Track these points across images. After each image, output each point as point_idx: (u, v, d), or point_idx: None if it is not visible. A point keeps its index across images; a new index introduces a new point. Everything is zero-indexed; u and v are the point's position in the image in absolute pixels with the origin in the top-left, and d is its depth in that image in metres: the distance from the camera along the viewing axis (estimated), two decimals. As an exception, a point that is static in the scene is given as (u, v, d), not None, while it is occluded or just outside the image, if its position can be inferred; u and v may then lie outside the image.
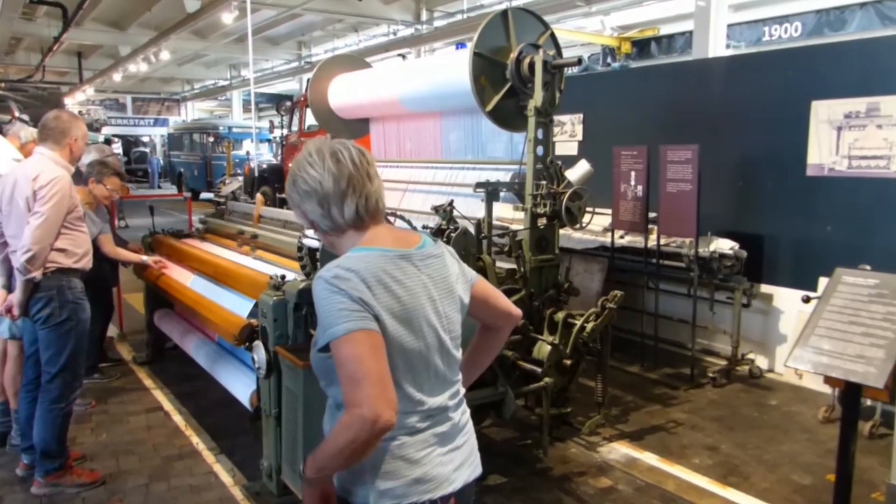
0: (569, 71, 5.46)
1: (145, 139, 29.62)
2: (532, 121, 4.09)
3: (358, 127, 6.07)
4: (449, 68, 4.48)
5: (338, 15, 15.89)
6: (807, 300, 3.18)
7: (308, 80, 5.97)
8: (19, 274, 3.25)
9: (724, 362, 5.36)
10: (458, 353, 1.63)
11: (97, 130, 21.43)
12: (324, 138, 1.60)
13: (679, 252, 5.24)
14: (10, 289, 3.46)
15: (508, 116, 4.31)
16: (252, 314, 3.58)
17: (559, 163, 4.23)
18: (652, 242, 5.37)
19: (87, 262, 3.46)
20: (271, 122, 16.13)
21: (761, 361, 5.40)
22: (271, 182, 13.47)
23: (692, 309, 5.28)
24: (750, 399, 4.85)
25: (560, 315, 4.08)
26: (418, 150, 5.51)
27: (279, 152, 15.11)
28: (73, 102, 24.55)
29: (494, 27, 4.20)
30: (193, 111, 32.18)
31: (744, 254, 5.06)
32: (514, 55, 4.15)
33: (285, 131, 12.91)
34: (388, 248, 1.50)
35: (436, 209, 3.81)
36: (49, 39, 17.97)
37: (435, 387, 1.54)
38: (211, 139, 20.70)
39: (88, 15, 17.00)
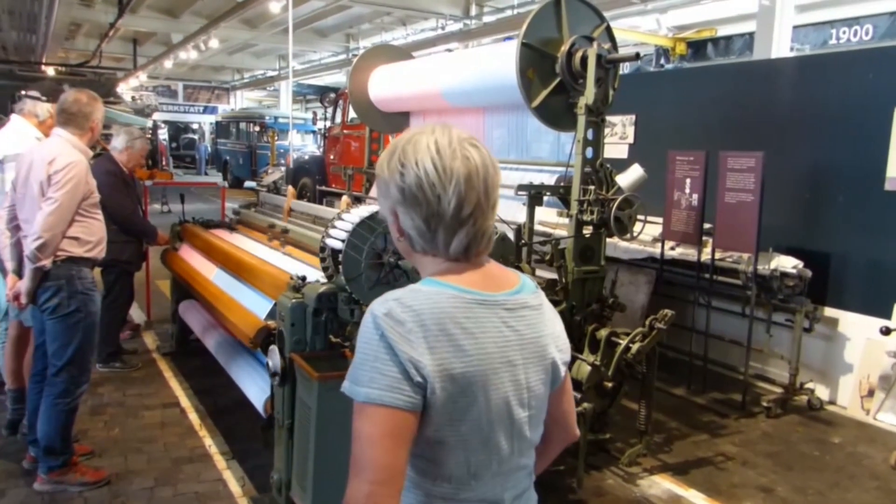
0: (622, 69, 5.11)
1: (194, 126, 30.01)
2: (582, 120, 3.76)
3: (397, 121, 5.82)
4: (494, 60, 4.18)
5: (386, 7, 15.71)
6: (887, 332, 2.81)
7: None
8: (28, 261, 3.08)
9: (779, 390, 4.93)
10: (536, 436, 1.28)
11: (148, 116, 21.68)
12: (458, 133, 1.21)
13: (735, 268, 4.83)
14: (20, 274, 3.29)
15: (556, 114, 3.99)
16: (270, 315, 3.35)
17: (609, 167, 3.90)
18: (706, 256, 4.98)
19: (99, 252, 3.28)
20: (314, 113, 16.05)
21: (821, 392, 4.96)
22: (312, 174, 13.35)
23: (747, 330, 4.87)
24: (809, 434, 4.43)
25: (603, 333, 3.75)
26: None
27: (322, 144, 15.01)
28: (126, 88, 24.95)
29: (546, 17, 3.87)
30: (242, 100, 32.50)
31: (808, 273, 4.63)
32: (565, 48, 3.83)
33: (328, 123, 12.74)
34: (467, 287, 1.18)
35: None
36: (106, 26, 18.25)
37: (494, 475, 1.22)
38: (257, 128, 20.78)
39: (144, 2, 17.21)
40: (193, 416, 4.23)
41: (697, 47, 14.25)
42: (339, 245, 2.85)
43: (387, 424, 1.08)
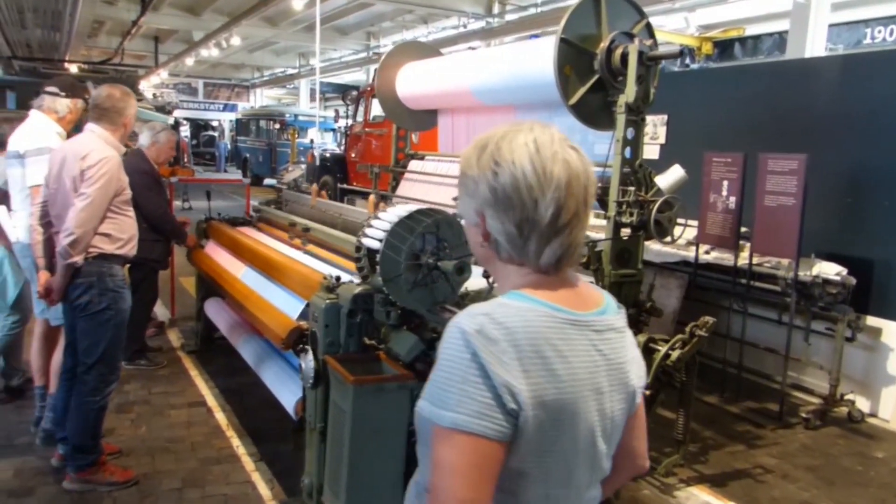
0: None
1: (214, 123, 30.14)
2: (622, 118, 3.65)
3: (425, 118, 5.74)
4: (529, 56, 4.07)
5: (408, 5, 15.67)
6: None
7: (376, 69, 5.70)
8: (60, 257, 3.03)
9: (818, 401, 4.79)
10: (609, 468, 1.20)
11: (169, 113, 21.81)
12: (558, 133, 1.12)
13: (774, 273, 4.69)
14: (52, 271, 3.25)
15: (593, 112, 3.88)
16: (302, 316, 3.28)
17: (649, 167, 3.79)
18: (742, 260, 4.84)
19: (131, 249, 3.23)
20: (336, 111, 16.02)
21: (862, 404, 4.80)
22: (333, 172, 13.31)
23: (785, 338, 4.73)
24: (850, 448, 4.28)
25: (641, 339, 3.63)
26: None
27: (342, 142, 14.97)
28: (148, 85, 25.10)
29: (584, 12, 3.76)
30: (261, 98, 32.62)
31: (852, 281, 4.48)
32: (604, 44, 3.72)
33: (350, 121, 12.69)
34: (560, 305, 1.08)
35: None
36: (129, 23, 18.37)
37: None
38: (277, 126, 20.81)
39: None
40: (220, 416, 4.17)
41: (724, 47, 14.01)
42: (376, 245, 2.77)
43: (474, 455, 0.99)
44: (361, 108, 12.12)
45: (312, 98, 27.23)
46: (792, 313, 4.57)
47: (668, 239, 3.76)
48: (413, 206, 2.89)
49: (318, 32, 11.18)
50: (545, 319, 1.06)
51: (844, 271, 4.51)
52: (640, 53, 3.57)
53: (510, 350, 1.00)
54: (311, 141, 16.46)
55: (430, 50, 5.85)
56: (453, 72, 4.90)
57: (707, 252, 5.12)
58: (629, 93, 3.61)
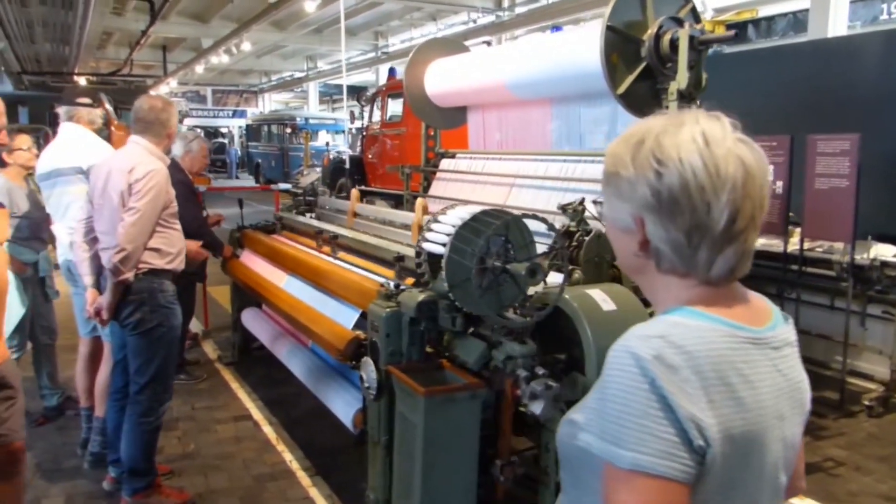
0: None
1: (224, 130, 30.16)
2: (673, 106, 3.52)
3: (455, 116, 5.62)
4: (572, 46, 3.95)
5: (417, 3, 15.53)
6: None
7: (389, 69, 5.61)
8: (110, 275, 2.94)
9: (877, 387, 4.64)
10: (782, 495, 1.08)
11: (180, 122, 21.84)
12: (729, 124, 0.99)
13: (828, 258, 4.55)
14: (100, 288, 3.16)
15: (641, 101, 3.74)
16: (357, 325, 3.18)
17: (703, 156, 3.65)
18: (792, 246, 4.70)
19: (180, 263, 3.14)
20: (352, 112, 15.92)
21: (923, 387, 4.65)
22: (350, 174, 13.21)
23: (838, 324, 4.59)
24: (918, 434, 4.15)
25: (702, 332, 3.52)
26: (523, 140, 5.01)
27: (357, 144, 14.86)
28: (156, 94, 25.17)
29: (629, -2, 3.64)
30: (270, 103, 32.60)
31: (911, 262, 4.33)
32: (652, 30, 3.59)
33: (365, 122, 12.58)
34: (738, 322, 0.96)
35: (563, 208, 3.31)
36: (137, 34, 18.35)
37: None
38: (288, 130, 20.77)
39: (174, 8, 17.24)
40: (268, 429, 4.08)
41: (737, 29, 13.81)
42: (438, 249, 2.66)
43: (659, 499, 0.87)
44: (377, 109, 12.00)
45: (322, 101, 27.22)
46: (850, 298, 4.43)
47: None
48: (472, 208, 2.78)
49: (343, 29, 11.01)
50: (727, 340, 0.93)
51: (902, 253, 4.37)
52: (692, 38, 3.44)
53: (694, 378, 0.88)
54: (328, 144, 16.37)
55: (457, 46, 5.72)
56: (487, 66, 4.78)
57: (754, 239, 4.97)
58: (681, 79, 3.48)
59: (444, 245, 2.63)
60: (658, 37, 3.58)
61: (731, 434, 0.90)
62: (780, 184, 4.69)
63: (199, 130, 5.54)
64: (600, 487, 0.92)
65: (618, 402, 0.90)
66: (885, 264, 4.31)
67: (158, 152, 3.06)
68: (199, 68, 22.26)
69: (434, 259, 2.75)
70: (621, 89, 3.66)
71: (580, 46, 3.80)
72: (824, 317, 4.89)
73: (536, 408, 2.43)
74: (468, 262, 2.56)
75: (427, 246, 2.74)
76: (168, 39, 21.82)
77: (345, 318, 3.25)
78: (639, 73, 3.66)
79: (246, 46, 17.90)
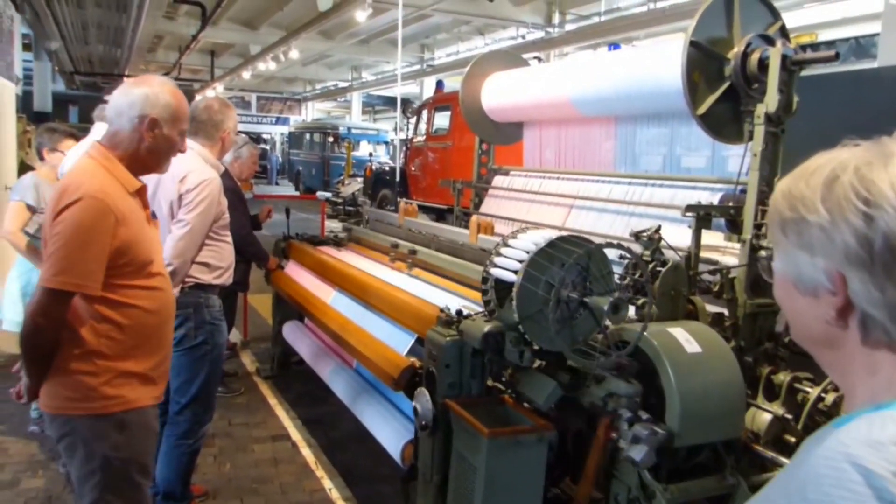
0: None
1: (265, 137, 30.44)
2: (760, 130, 3.26)
3: (510, 131, 5.42)
4: (649, 63, 3.71)
5: (466, 16, 15.42)
6: None
7: (437, 81, 5.41)
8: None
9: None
10: None
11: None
12: None
13: None
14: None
15: (721, 123, 3.50)
16: (412, 351, 2.97)
17: (789, 184, 3.38)
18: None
19: (228, 277, 2.98)
20: (397, 123, 15.85)
21: None
22: (392, 185, 13.11)
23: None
24: None
25: (782, 377, 3.23)
26: (582, 159, 4.78)
27: (400, 155, 14.76)
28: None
29: (715, 13, 3.40)
30: (313, 111, 32.86)
31: None
32: (739, 48, 3.34)
33: (410, 134, 12.47)
34: None
35: (637, 235, 3.06)
36: (187, 38, 18.63)
37: None
38: (330, 139, 20.80)
39: (225, 14, 17.43)
40: (307, 452, 3.89)
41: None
42: (509, 276, 2.44)
43: None
44: (423, 121, 11.88)
45: (364, 111, 27.34)
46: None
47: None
48: (547, 233, 2.56)
49: (400, 36, 10.92)
50: None
51: None
52: (784, 57, 3.19)
53: None
54: (370, 154, 16.31)
55: (516, 59, 5.53)
56: (551, 81, 4.57)
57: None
58: (770, 101, 3.22)
59: (515, 272, 2.42)
60: (745, 55, 3.33)
61: None
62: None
63: (243, 136, 5.49)
64: None
65: None
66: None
67: (213, 159, 2.91)
68: (246, 74, 22.50)
69: (502, 286, 2.53)
70: (701, 109, 3.42)
71: (659, 63, 3.56)
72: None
73: (637, 453, 2.20)
74: (543, 293, 2.33)
75: (496, 272, 2.52)
76: (217, 45, 22.11)
77: (398, 342, 3.04)
78: (721, 93, 3.42)
79: (294, 54, 18.01)
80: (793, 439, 3.17)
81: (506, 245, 2.56)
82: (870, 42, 9.42)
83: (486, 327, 2.49)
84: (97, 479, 1.92)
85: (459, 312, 2.68)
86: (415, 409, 2.71)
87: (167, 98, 2.01)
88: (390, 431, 3.16)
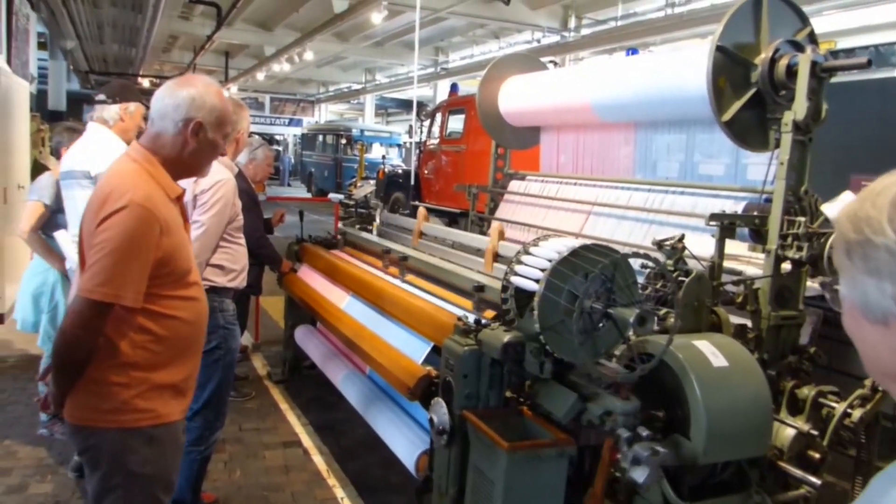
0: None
1: (278, 138, 30.50)
2: (787, 138, 3.17)
3: (528, 136, 5.36)
4: (674, 67, 3.64)
5: (482, 19, 15.36)
6: None
7: (451, 85, 5.34)
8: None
9: None
10: None
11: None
12: None
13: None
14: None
15: (746, 130, 3.41)
16: (427, 360, 2.90)
17: (816, 195, 3.30)
18: None
19: (242, 280, 2.93)
20: (411, 126, 15.82)
21: None
22: (405, 188, 13.06)
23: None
24: None
25: (807, 391, 3.14)
26: (600, 165, 4.71)
27: (413, 158, 14.72)
28: (217, 100, 25.58)
29: (743, 18, 3.32)
30: (326, 113, 32.92)
31: None
32: (767, 54, 3.26)
33: (423, 137, 12.42)
34: None
35: (660, 244, 2.98)
36: (202, 38, 18.69)
37: None
38: (343, 141, 20.81)
39: (240, 15, 17.47)
40: (318, 460, 3.82)
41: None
42: (531, 285, 2.37)
43: None
44: (437, 124, 11.81)
45: (378, 114, 27.35)
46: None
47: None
48: (570, 241, 2.49)
49: (417, 38, 10.86)
50: None
51: None
52: (814, 64, 3.10)
53: None
54: (383, 157, 16.27)
55: (534, 62, 5.47)
56: (571, 85, 4.50)
57: (851, 287, 4.53)
58: (799, 109, 3.13)
59: (537, 281, 2.35)
60: (773, 61, 3.25)
61: None
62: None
63: (258, 138, 5.48)
64: None
65: None
66: None
67: (226, 160, 2.86)
68: (260, 75, 22.57)
69: (523, 295, 2.47)
70: (727, 116, 3.34)
71: (685, 68, 3.49)
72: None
73: (639, 475, 2.11)
74: (566, 303, 2.26)
75: (517, 280, 2.45)
76: (231, 46, 22.17)
77: (414, 350, 2.98)
78: (747, 99, 3.34)
79: (308, 56, 18.02)
80: (817, 455, 3.10)
81: (527, 253, 2.49)
82: (889, 50, 9.27)
83: (506, 337, 2.42)
84: (118, 494, 1.84)
85: (478, 321, 2.62)
86: (431, 420, 2.64)
87: (213, 101, 1.93)
88: (404, 441, 3.10)
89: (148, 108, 2.00)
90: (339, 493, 3.49)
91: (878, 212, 0.76)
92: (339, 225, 6.26)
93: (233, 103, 2.97)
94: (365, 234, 4.95)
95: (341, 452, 3.93)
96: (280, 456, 3.86)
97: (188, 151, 1.92)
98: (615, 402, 2.22)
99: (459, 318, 2.68)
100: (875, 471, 3.55)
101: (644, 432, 2.18)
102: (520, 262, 2.48)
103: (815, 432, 2.99)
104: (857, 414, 2.99)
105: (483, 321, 2.65)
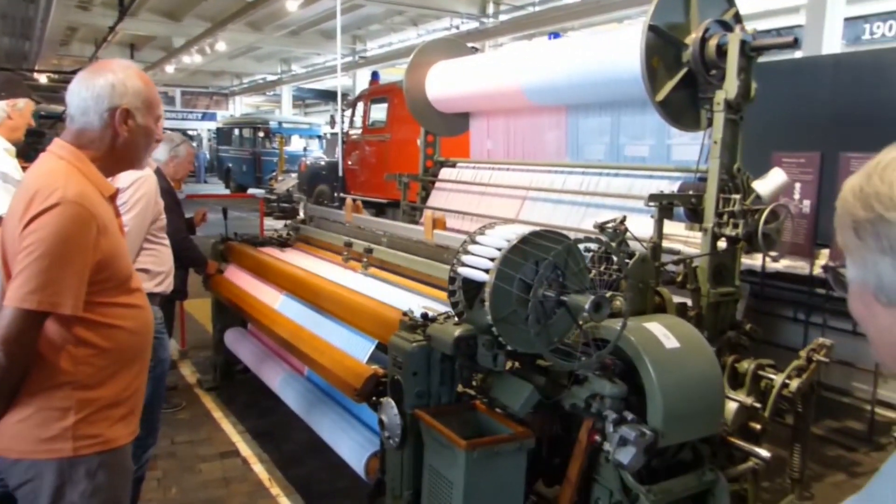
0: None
1: (192, 133, 29.26)
2: (719, 117, 3.21)
3: (457, 122, 5.28)
4: (606, 48, 3.62)
5: (400, 6, 15.18)
6: None
7: (372, 73, 5.18)
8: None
9: (902, 417, 4.41)
10: None
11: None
12: None
13: (858, 282, 4.28)
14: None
15: (679, 110, 3.44)
16: (373, 358, 2.78)
17: (747, 172, 3.36)
18: (819, 269, 4.44)
19: (169, 284, 2.72)
20: (332, 116, 15.48)
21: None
22: (329, 180, 12.76)
23: (859, 350, 4.37)
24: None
25: (746, 365, 3.21)
26: (532, 150, 4.68)
27: (335, 149, 14.39)
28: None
29: (673, -1, 3.33)
30: (241, 106, 31.86)
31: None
32: (697, 34, 3.28)
33: (346, 127, 12.14)
34: None
35: (601, 227, 2.95)
36: (104, 30, 17.65)
37: None
38: (261, 134, 20.16)
39: (145, 4, 16.60)
40: (259, 469, 3.64)
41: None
42: (480, 276, 2.28)
43: None
44: (359, 113, 11.56)
45: (295, 105, 26.67)
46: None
47: (775, 253, 3.36)
48: (518, 228, 2.42)
49: (339, 24, 10.56)
50: None
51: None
52: (743, 43, 3.14)
53: None
54: (305, 149, 15.85)
55: (461, 48, 5.38)
56: (501, 69, 4.43)
57: (775, 260, 4.70)
58: (729, 88, 3.17)
59: (486, 271, 2.26)
60: (703, 41, 3.28)
61: None
62: (807, 203, 4.43)
63: (179, 134, 5.16)
64: None
65: None
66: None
67: (146, 157, 2.63)
68: (169, 68, 21.57)
69: (471, 286, 2.38)
70: (660, 96, 3.35)
71: (618, 49, 3.47)
72: (846, 342, 4.63)
73: (624, 456, 2.09)
74: (518, 293, 2.19)
75: (464, 271, 2.35)
76: (137, 37, 21.07)
77: (357, 349, 2.85)
78: (679, 79, 3.36)
79: (220, 47, 17.33)
80: (758, 426, 3.18)
81: (474, 242, 2.40)
82: (789, 34, 9.65)
83: (457, 331, 2.33)
84: None
85: (425, 315, 2.51)
86: (380, 421, 2.53)
87: (136, 84, 1.73)
88: (351, 443, 2.97)
89: (38, 102, 1.77)
90: (285, 502, 3.33)
91: (889, 186, 0.72)
92: (267, 221, 6.03)
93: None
94: (321, 230, 4.73)
95: (283, 459, 3.76)
96: (218, 468, 3.65)
97: (121, 143, 1.73)
98: (605, 385, 2.18)
99: (405, 314, 2.57)
100: (812, 438, 3.66)
101: (629, 415, 2.15)
102: (467, 253, 2.39)
103: (757, 405, 3.06)
104: (794, 384, 3.07)
105: (430, 315, 2.54)
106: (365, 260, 3.64)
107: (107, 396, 1.68)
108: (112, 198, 1.75)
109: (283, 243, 4.60)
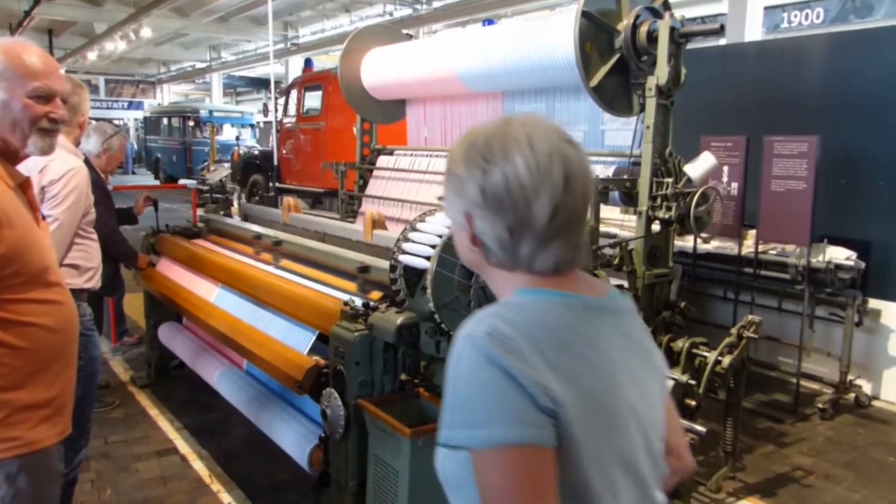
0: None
1: (118, 123, 28.08)
2: (651, 102, 3.30)
3: (393, 109, 5.24)
4: (540, 34, 3.65)
5: (333, -8, 14.93)
6: None
7: (305, 60, 5.06)
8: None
9: (822, 388, 4.66)
10: (665, 465, 1.06)
11: (69, 113, 20.04)
12: (553, 126, 1.00)
13: (781, 261, 4.49)
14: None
15: (613, 95, 3.52)
16: (314, 350, 2.74)
17: (678, 156, 3.46)
18: (747, 249, 4.62)
19: (98, 280, 2.61)
20: (265, 105, 15.12)
21: (866, 387, 4.69)
22: (262, 170, 12.48)
23: (791, 326, 4.60)
24: (872, 437, 4.13)
25: (681, 344, 3.32)
26: (470, 137, 4.69)
27: (269, 138, 14.09)
28: (41, 82, 23.08)
29: (602, -14, 3.38)
30: (169, 94, 30.76)
31: (862, 265, 4.33)
32: (629, 20, 3.35)
33: (280, 116, 11.87)
34: (571, 292, 0.99)
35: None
36: (19, 14, 16.67)
37: None
38: (191, 123, 19.52)
39: (61, -13, 15.79)
40: (199, 465, 3.55)
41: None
42: (422, 263, 2.28)
43: (524, 468, 0.85)
44: (293, 101, 11.33)
45: (226, 93, 25.93)
46: (806, 301, 4.38)
47: (706, 234, 3.48)
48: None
49: (271, 9, 10.34)
50: (561, 307, 0.97)
51: (854, 255, 4.36)
52: (672, 30, 3.22)
53: (531, 350, 0.89)
54: (237, 138, 15.44)
55: (396, 34, 5.33)
56: (437, 56, 4.42)
57: (706, 241, 4.87)
58: (660, 73, 3.26)
59: (427, 258, 2.26)
60: (634, 27, 3.34)
61: (581, 391, 0.90)
62: (734, 185, 4.60)
63: (112, 125, 4.90)
64: None
65: (463, 387, 0.90)
66: (839, 267, 4.29)
67: (72, 146, 2.51)
68: (92, 55, 20.58)
69: (413, 274, 2.37)
70: (594, 82, 3.40)
71: (552, 34, 3.50)
72: (772, 319, 4.85)
73: None
74: (460, 279, 2.20)
75: (406, 259, 2.34)
76: (55, 22, 19.99)
77: (297, 341, 2.80)
78: (612, 65, 3.42)
79: (145, 33, 16.63)
80: (693, 403, 3.30)
81: (414, 230, 2.40)
82: (714, 21, 9.96)
83: (399, 319, 2.32)
84: None
85: (367, 304, 2.49)
86: (323, 413, 2.50)
87: None
88: (293, 436, 2.92)
89: None
90: (226, 498, 3.25)
91: (459, 149, 1.01)
92: (200, 212, 5.85)
93: (71, 82, 2.60)
94: (230, 220, 4.64)
95: (223, 455, 3.67)
96: (155, 466, 3.54)
97: None
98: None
99: (346, 303, 2.54)
100: (743, 412, 3.81)
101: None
102: (407, 240, 2.38)
103: (692, 382, 3.17)
104: (726, 361, 3.20)
105: (371, 304, 2.52)
106: (276, 252, 3.56)
107: (24, 398, 1.59)
108: (23, 187, 1.64)
109: (191, 234, 4.48)
